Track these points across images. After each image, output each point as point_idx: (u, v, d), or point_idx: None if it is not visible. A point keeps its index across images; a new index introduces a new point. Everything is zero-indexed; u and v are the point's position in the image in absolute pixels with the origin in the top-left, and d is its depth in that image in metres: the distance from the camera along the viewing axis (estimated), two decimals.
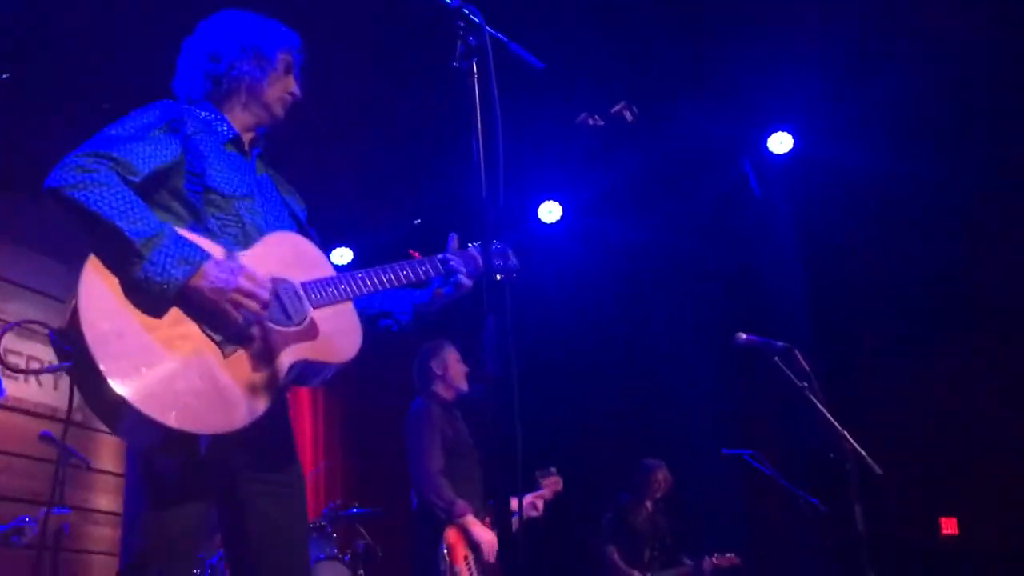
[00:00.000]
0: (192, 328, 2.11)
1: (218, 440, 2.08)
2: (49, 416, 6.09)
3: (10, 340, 5.76)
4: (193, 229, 2.25)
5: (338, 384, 8.38)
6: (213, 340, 2.13)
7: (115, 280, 2.08)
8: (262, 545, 2.28)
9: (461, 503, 4.25)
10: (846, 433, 3.99)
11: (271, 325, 2.21)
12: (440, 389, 4.63)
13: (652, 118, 6.91)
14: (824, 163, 7.25)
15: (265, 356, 2.18)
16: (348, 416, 8.85)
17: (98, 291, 2.06)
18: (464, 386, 4.68)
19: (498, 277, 2.71)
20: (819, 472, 5.90)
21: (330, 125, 6.05)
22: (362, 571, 5.93)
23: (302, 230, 2.53)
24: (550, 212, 8.12)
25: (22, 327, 5.55)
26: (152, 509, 2.14)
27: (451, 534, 4.21)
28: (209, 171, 2.31)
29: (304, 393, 8.09)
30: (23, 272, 6.24)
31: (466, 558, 4.22)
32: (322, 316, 2.32)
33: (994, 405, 6.76)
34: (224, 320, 2.12)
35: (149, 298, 2.07)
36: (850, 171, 7.11)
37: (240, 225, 2.33)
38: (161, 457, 2.13)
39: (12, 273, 6.18)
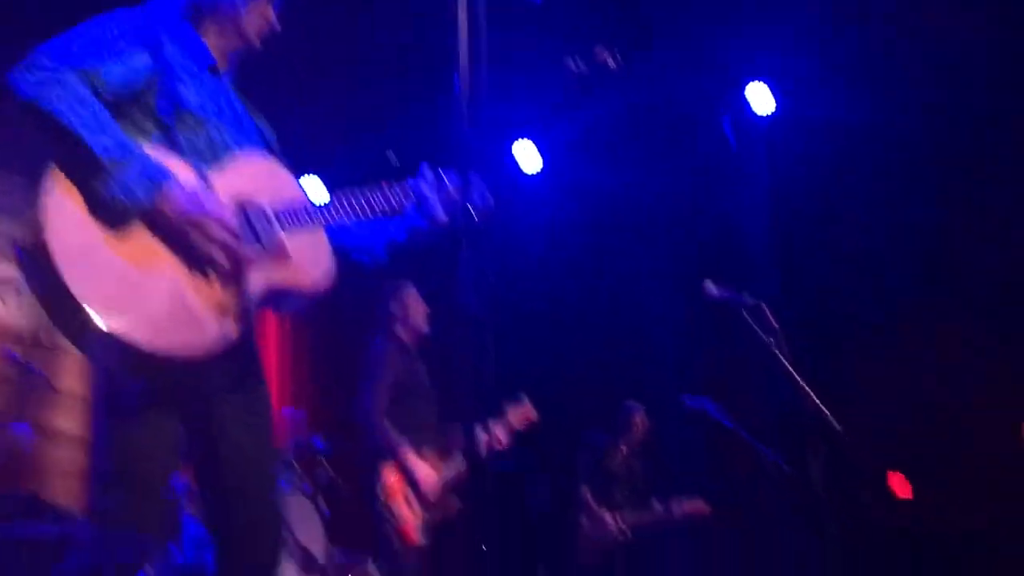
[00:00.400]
0: (159, 248, 2.09)
1: (187, 361, 2.07)
2: (13, 337, 6.02)
3: None
4: (160, 146, 2.21)
5: (306, 317, 8.35)
6: (180, 260, 2.10)
7: (80, 195, 2.03)
8: (232, 470, 2.29)
9: (396, 439, 4.23)
10: (809, 390, 4.04)
11: (239, 247, 2.19)
12: (400, 331, 4.61)
13: (634, 66, 6.85)
14: (802, 117, 7.25)
15: (233, 278, 2.16)
16: (315, 349, 8.83)
17: (63, 205, 2.02)
18: (425, 327, 4.67)
19: (475, 212, 2.67)
20: (781, 426, 6.01)
21: (303, 51, 5.95)
22: (324, 503, 5.98)
23: (272, 152, 2.50)
24: (527, 157, 8.07)
25: None
26: (119, 430, 2.12)
27: (388, 473, 4.21)
28: (181, 90, 2.27)
29: (271, 325, 8.06)
30: None
31: (406, 496, 4.21)
32: (293, 241, 2.28)
33: (959, 366, 6.85)
34: (188, 244, 2.09)
35: (115, 216, 2.03)
36: (828, 125, 7.11)
37: (210, 144, 2.29)
38: (128, 377, 2.11)
39: None
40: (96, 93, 2.11)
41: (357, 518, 5.93)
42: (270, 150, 2.51)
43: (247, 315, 2.18)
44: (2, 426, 4.50)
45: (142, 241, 2.07)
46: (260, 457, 2.34)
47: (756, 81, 7.23)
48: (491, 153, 7.75)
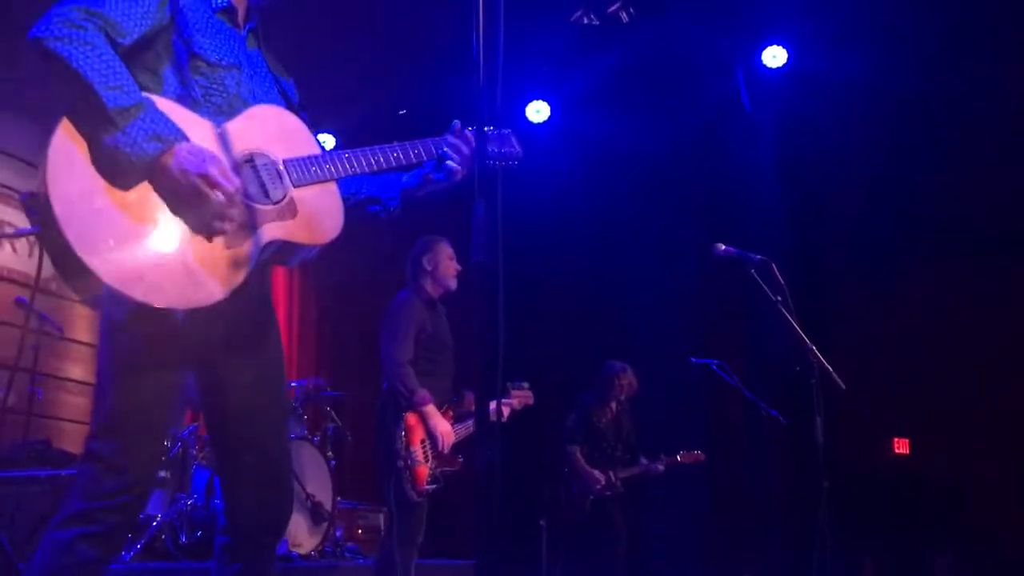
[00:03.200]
0: (161, 203, 2.08)
1: (189, 313, 2.07)
2: (24, 283, 6.07)
3: None
4: (177, 94, 2.21)
5: (314, 268, 8.40)
6: (182, 216, 2.09)
7: (86, 145, 2.03)
8: (242, 419, 2.30)
9: (422, 392, 4.38)
10: (814, 348, 4.08)
11: (246, 202, 2.17)
12: (427, 284, 4.68)
13: (647, 21, 6.81)
14: (816, 79, 7.21)
15: (238, 233, 2.14)
16: (323, 300, 8.89)
17: (68, 154, 2.01)
18: (452, 284, 4.73)
19: (498, 164, 2.65)
20: (783, 385, 6.05)
21: (321, 10, 5.92)
22: (331, 452, 6.07)
23: (292, 110, 2.46)
24: (538, 112, 8.06)
25: None
26: (123, 378, 2.14)
27: (411, 417, 4.37)
28: (197, 37, 2.25)
29: (280, 275, 8.10)
30: None
31: (423, 442, 4.38)
32: (302, 195, 2.26)
33: (960, 330, 6.89)
34: (192, 201, 2.09)
35: (119, 168, 2.03)
36: (840, 87, 7.08)
37: (225, 95, 2.27)
38: (131, 328, 2.12)
39: None
40: (113, 42, 2.10)
41: (363, 468, 6.03)
42: (290, 105, 2.47)
43: (251, 270, 2.15)
44: (19, 373, 4.55)
45: (145, 195, 2.05)
46: (270, 407, 2.34)
47: (774, 45, 7.19)
48: (503, 112, 7.71)
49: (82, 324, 6.50)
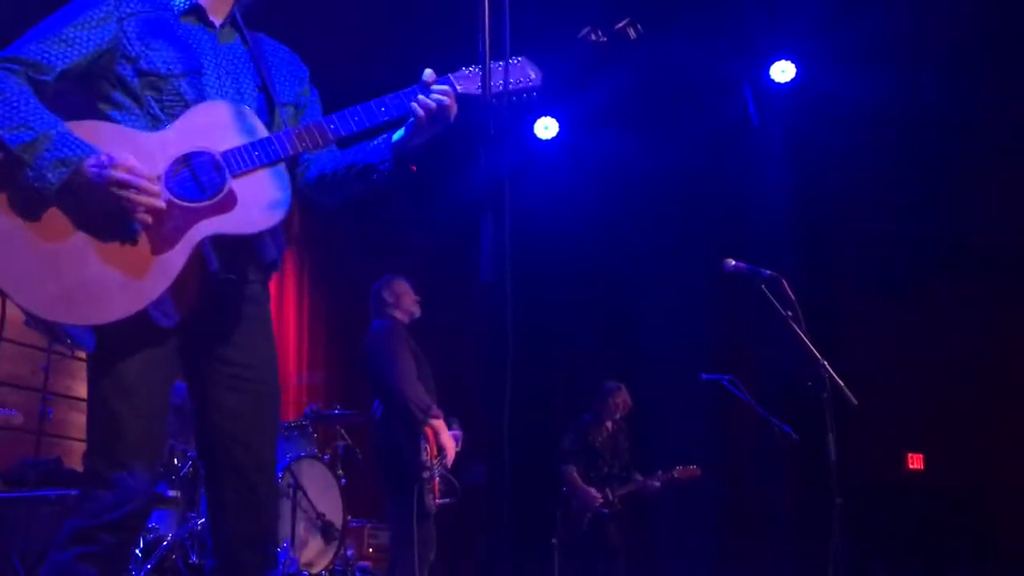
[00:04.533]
0: (82, 223, 2.11)
1: (148, 329, 2.11)
2: None
3: None
4: (133, 115, 2.22)
5: (325, 287, 8.41)
6: (108, 231, 2.11)
7: (4, 191, 2.09)
8: (221, 441, 2.28)
9: (435, 408, 4.48)
10: (825, 363, 4.06)
11: (177, 202, 2.15)
12: (396, 314, 4.92)
13: (655, 38, 6.81)
14: (824, 94, 7.20)
15: (169, 236, 2.13)
16: (332, 321, 8.89)
17: None
18: (417, 312, 5.01)
19: (513, 100, 2.40)
20: (794, 400, 6.02)
21: (321, 16, 5.95)
22: (341, 471, 6.05)
23: (270, 101, 2.40)
24: (546, 128, 8.07)
25: None
26: (105, 401, 2.17)
27: (430, 432, 4.46)
28: (145, 52, 2.24)
29: (290, 297, 8.12)
30: None
31: (436, 456, 4.45)
32: (244, 184, 2.20)
33: (972, 345, 6.85)
34: (112, 213, 2.09)
35: (33, 202, 2.08)
36: (849, 103, 7.07)
37: (183, 103, 2.25)
38: (103, 346, 2.15)
39: None
40: (34, 81, 2.14)
41: (373, 486, 6.01)
42: (268, 96, 2.40)
43: (180, 272, 2.12)
44: (30, 393, 4.56)
45: (62, 221, 2.09)
46: (256, 428, 2.30)
47: (782, 60, 7.20)
48: (513, 125, 7.75)
49: None
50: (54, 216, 2.09)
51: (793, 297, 4.15)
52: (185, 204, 2.16)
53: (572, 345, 8.39)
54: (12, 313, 5.97)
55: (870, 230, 7.53)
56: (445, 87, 2.32)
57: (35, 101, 2.13)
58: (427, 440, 4.44)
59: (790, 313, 4.14)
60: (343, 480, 5.97)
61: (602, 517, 6.29)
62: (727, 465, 7.48)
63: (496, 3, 1.94)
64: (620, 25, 6.58)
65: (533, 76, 2.45)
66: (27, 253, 2.06)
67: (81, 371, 6.37)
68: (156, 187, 2.12)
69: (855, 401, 4.06)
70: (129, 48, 2.24)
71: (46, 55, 2.17)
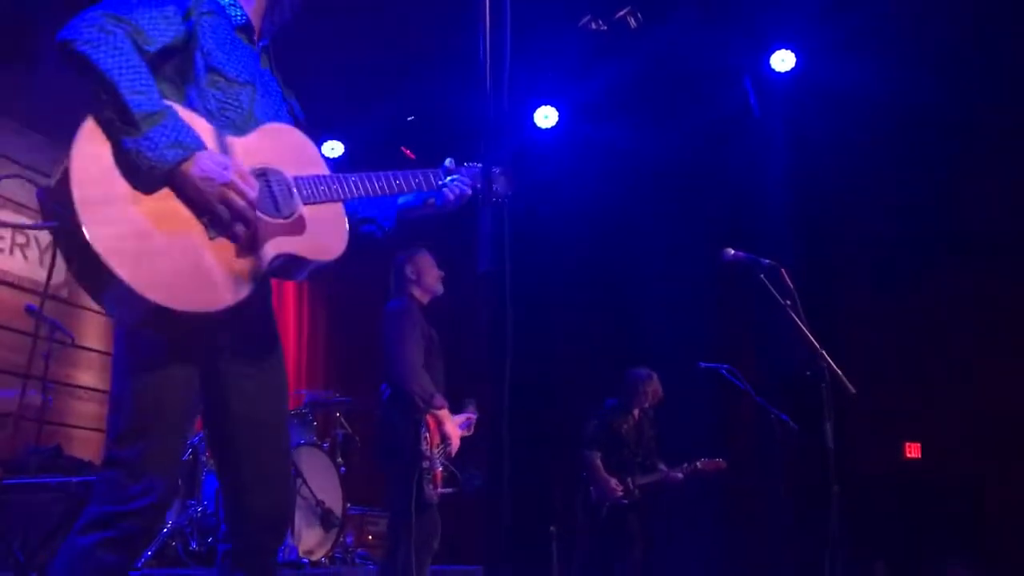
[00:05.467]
0: (180, 207, 2.11)
1: (200, 320, 2.09)
2: (35, 290, 6.11)
3: None
4: (192, 107, 2.24)
5: (323, 278, 8.42)
6: (200, 222, 2.13)
7: (109, 147, 2.06)
8: (243, 428, 2.31)
9: (439, 396, 4.41)
10: (824, 352, 4.06)
11: (259, 215, 2.21)
12: (416, 292, 4.74)
13: (655, 27, 6.80)
14: (824, 84, 7.20)
15: (250, 245, 2.19)
16: (331, 308, 8.91)
17: (92, 154, 2.04)
18: (439, 290, 4.82)
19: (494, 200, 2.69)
20: (793, 389, 6.03)
21: (329, 17, 5.93)
22: (340, 458, 6.08)
23: (297, 124, 2.50)
24: (546, 117, 8.07)
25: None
26: (140, 382, 2.16)
27: (431, 421, 4.39)
28: (216, 52, 2.29)
29: (289, 285, 8.13)
30: (12, 147, 6.18)
31: (438, 446, 4.40)
32: (311, 213, 2.32)
33: (970, 335, 6.87)
34: (210, 209, 2.13)
35: (141, 174, 2.06)
36: (849, 93, 7.06)
37: (239, 110, 2.31)
38: (143, 330, 2.14)
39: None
40: (140, 49, 2.13)
41: (373, 474, 6.03)
42: (298, 125, 2.51)
43: (259, 281, 2.19)
44: (29, 382, 4.57)
45: (165, 201, 2.08)
46: (272, 416, 2.35)
47: (782, 50, 7.19)
48: (511, 118, 7.74)
49: (93, 331, 6.53)
50: (159, 193, 2.10)
51: (792, 286, 4.15)
52: (263, 217, 2.23)
53: (571, 335, 8.41)
54: (11, 301, 5.98)
55: (869, 220, 7.53)
56: (467, 182, 2.73)
57: (150, 71, 2.13)
58: (428, 429, 4.39)
59: (789, 302, 4.14)
60: (342, 468, 5.99)
61: (622, 507, 6.25)
62: (725, 453, 7.49)
63: (497, 5, 1.95)
64: (620, 14, 6.57)
65: (507, 191, 2.69)
66: (129, 224, 2.04)
67: (82, 360, 6.40)
68: (255, 203, 2.19)
69: (853, 390, 4.06)
70: (204, 43, 2.27)
71: (153, 26, 2.18)
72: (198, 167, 2.09)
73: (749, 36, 7.18)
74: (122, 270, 1.98)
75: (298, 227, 2.28)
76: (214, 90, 2.28)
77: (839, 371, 4.06)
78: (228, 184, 2.12)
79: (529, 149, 8.02)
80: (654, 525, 7.27)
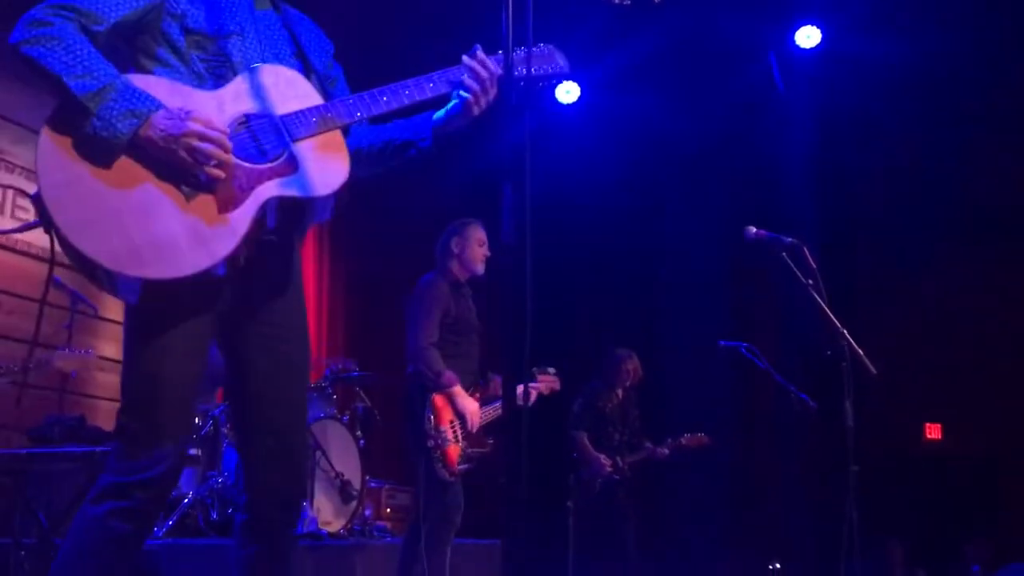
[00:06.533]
0: (149, 176, 2.10)
1: (194, 284, 2.08)
2: (59, 262, 6.14)
3: (18, 182, 5.79)
4: (178, 74, 2.22)
5: (344, 248, 8.44)
6: (174, 185, 2.10)
7: (69, 136, 2.07)
8: (261, 399, 2.30)
9: (449, 373, 4.40)
10: (845, 331, 4.04)
11: (239, 163, 2.15)
12: (454, 267, 4.68)
13: (678, 3, 6.74)
14: (849, 60, 7.11)
15: (233, 197, 2.13)
16: (353, 280, 8.93)
17: (52, 147, 2.06)
18: (479, 269, 4.73)
19: (541, 84, 2.52)
20: (813, 368, 6.01)
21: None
22: (360, 432, 6.11)
23: (308, 69, 2.42)
24: (568, 92, 8.03)
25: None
26: (147, 352, 2.16)
27: (438, 399, 4.40)
28: (191, 11, 2.25)
29: (309, 255, 8.15)
30: (32, 113, 6.21)
31: (451, 422, 4.41)
32: (304, 148, 2.22)
33: (993, 316, 6.81)
34: (181, 166, 2.10)
35: (101, 152, 2.06)
36: (874, 70, 6.98)
37: (228, 64, 2.26)
38: (147, 302, 2.12)
39: (19, 115, 6.15)
40: (88, 31, 2.13)
41: (392, 448, 6.06)
42: (306, 63, 2.42)
43: (247, 233, 2.12)
44: (48, 360, 4.61)
45: (131, 171, 2.07)
46: (289, 386, 2.33)
47: (808, 26, 7.11)
48: (535, 89, 7.69)
49: (115, 303, 6.55)
50: (122, 166, 2.08)
51: (814, 265, 4.13)
52: (247, 165, 2.16)
53: (591, 309, 8.41)
54: (38, 272, 6.03)
55: (893, 199, 7.46)
56: (491, 59, 2.38)
57: (95, 50, 2.12)
58: (433, 408, 4.37)
59: (811, 281, 4.12)
60: (362, 441, 6.02)
61: (613, 483, 6.33)
62: (744, 432, 7.49)
63: None
64: None
65: (561, 64, 2.53)
66: (95, 202, 2.04)
67: (104, 331, 6.45)
68: (228, 142, 2.13)
69: (874, 370, 4.05)
70: (175, 5, 2.24)
71: (100, 5, 2.16)
72: (154, 128, 2.07)
73: (774, 12, 7.11)
74: (95, 250, 1.99)
75: (288, 167, 2.19)
76: (196, 51, 2.25)
77: (860, 351, 4.04)
78: (187, 132, 2.07)
79: (550, 124, 7.98)
80: (668, 503, 7.30)
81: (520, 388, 1.92)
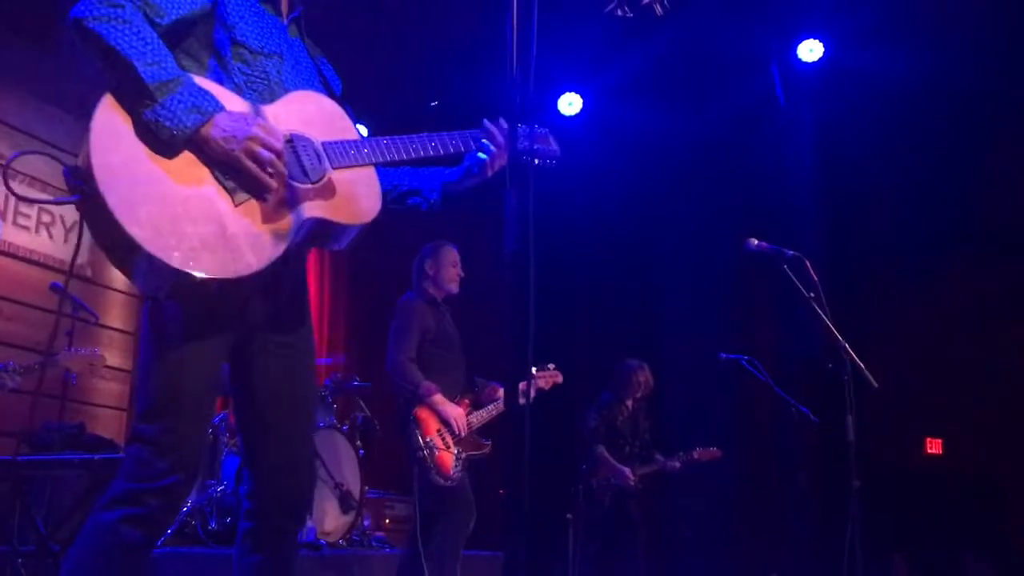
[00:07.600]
0: (204, 173, 2.10)
1: (226, 288, 2.08)
2: (60, 269, 6.16)
3: (20, 189, 5.78)
4: (219, 81, 2.23)
5: (345, 257, 8.44)
6: (225, 187, 2.12)
7: (129, 119, 2.07)
8: (269, 407, 2.31)
9: (426, 384, 4.53)
10: (846, 345, 4.04)
11: (287, 179, 2.19)
12: (429, 287, 4.86)
13: (681, 15, 6.74)
14: (851, 73, 7.13)
15: (277, 210, 2.16)
16: (353, 290, 8.94)
17: (111, 126, 2.05)
18: (453, 289, 4.89)
19: (536, 162, 2.67)
20: (814, 382, 5.99)
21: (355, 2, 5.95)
22: (360, 442, 6.10)
23: (333, 99, 2.48)
24: (570, 104, 8.04)
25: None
26: (168, 357, 2.15)
27: (421, 411, 4.50)
28: (240, 24, 2.28)
29: (312, 265, 8.16)
30: (32, 120, 6.22)
31: (439, 431, 4.50)
32: (341, 177, 2.29)
33: (994, 330, 6.79)
34: (236, 170, 2.11)
35: (161, 142, 2.06)
36: (876, 83, 7.00)
37: (266, 81, 2.30)
38: (168, 307, 2.13)
39: (19, 120, 6.16)
40: (151, 22, 2.13)
41: (392, 458, 6.05)
42: (331, 94, 2.50)
43: (287, 246, 2.15)
44: (55, 359, 4.61)
45: (188, 167, 2.08)
46: (299, 396, 2.34)
47: (810, 39, 7.13)
48: (537, 101, 7.71)
49: (116, 311, 6.58)
50: (180, 159, 2.09)
51: (816, 278, 4.12)
52: (291, 183, 2.20)
53: (592, 321, 8.39)
54: (38, 278, 6.03)
55: (895, 212, 7.46)
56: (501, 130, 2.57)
57: (161, 42, 2.13)
58: (416, 422, 4.47)
59: (812, 294, 4.12)
60: (361, 451, 6.01)
61: (623, 496, 6.31)
62: (745, 445, 7.47)
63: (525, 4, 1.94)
64: (647, 1, 6.51)
65: (555, 148, 2.78)
66: (150, 188, 2.03)
67: (105, 339, 6.45)
68: (282, 154, 2.17)
69: (875, 384, 4.04)
70: (227, 16, 2.27)
71: (164, 0, 2.18)
72: (218, 128, 2.09)
73: (776, 25, 7.12)
74: (143, 235, 1.97)
75: (328, 191, 2.25)
76: (239, 63, 2.28)
77: (862, 364, 4.03)
78: (251, 137, 2.10)
79: (553, 135, 7.98)
80: (670, 515, 7.27)
81: (523, 384, 1.91)
